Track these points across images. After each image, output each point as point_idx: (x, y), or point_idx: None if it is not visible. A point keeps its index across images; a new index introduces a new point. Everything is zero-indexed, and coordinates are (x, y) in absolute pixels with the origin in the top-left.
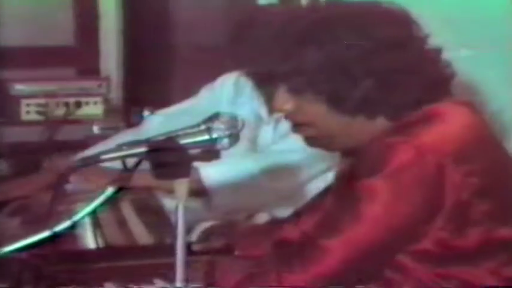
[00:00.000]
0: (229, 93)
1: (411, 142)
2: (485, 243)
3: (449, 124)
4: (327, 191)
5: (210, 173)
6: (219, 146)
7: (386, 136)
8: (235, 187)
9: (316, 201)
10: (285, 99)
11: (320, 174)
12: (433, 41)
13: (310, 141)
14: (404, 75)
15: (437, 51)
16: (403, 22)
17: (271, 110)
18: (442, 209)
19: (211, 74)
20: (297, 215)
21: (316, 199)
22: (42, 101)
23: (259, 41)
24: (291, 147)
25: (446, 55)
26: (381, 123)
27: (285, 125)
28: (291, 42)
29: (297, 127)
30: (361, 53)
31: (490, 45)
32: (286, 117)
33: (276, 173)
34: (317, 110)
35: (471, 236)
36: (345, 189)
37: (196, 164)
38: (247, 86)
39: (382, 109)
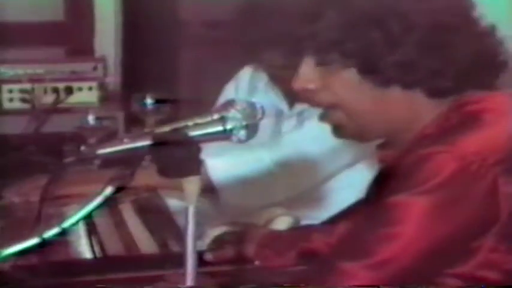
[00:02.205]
0: (245, 89)
1: (454, 151)
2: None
3: (496, 127)
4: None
5: (218, 165)
6: (234, 139)
7: (423, 145)
8: (246, 182)
9: (352, 210)
10: (309, 76)
11: (344, 169)
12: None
13: (339, 130)
14: (450, 37)
15: (491, 28)
16: None
17: (292, 101)
18: (494, 226)
19: (222, 54)
20: (329, 222)
21: (352, 206)
22: (27, 86)
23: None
24: (309, 135)
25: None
26: (419, 100)
27: (309, 118)
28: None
29: (323, 113)
30: (400, 6)
31: None
32: (311, 103)
33: (293, 165)
34: (347, 83)
35: None
36: (375, 204)
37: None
38: (263, 79)
39: (422, 78)
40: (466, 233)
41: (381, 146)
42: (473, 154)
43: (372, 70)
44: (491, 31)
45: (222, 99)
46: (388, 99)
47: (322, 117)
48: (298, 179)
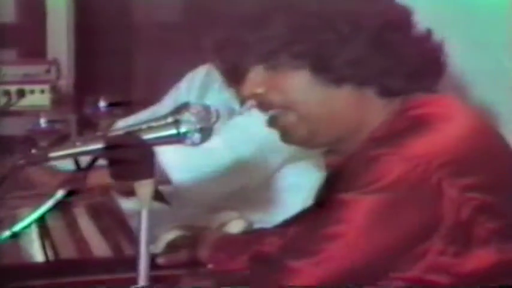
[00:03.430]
0: (198, 88)
1: (400, 154)
2: (498, 266)
3: (443, 131)
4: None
5: (171, 156)
6: (188, 142)
7: (371, 147)
8: (202, 170)
9: (303, 213)
10: (257, 80)
11: (291, 161)
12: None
13: (288, 135)
14: (397, 37)
15: (428, 32)
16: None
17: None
18: (439, 229)
19: (176, 56)
20: (283, 226)
21: (305, 210)
22: None
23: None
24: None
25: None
26: (369, 101)
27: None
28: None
29: (272, 117)
30: (349, 8)
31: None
32: (260, 105)
33: (242, 148)
34: (297, 84)
35: (479, 259)
36: (322, 204)
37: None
38: (217, 79)
39: (373, 76)
40: (412, 235)
41: (328, 151)
42: (420, 157)
43: (323, 69)
44: (428, 35)
45: (172, 96)
46: (339, 100)
47: (271, 122)
48: (248, 164)
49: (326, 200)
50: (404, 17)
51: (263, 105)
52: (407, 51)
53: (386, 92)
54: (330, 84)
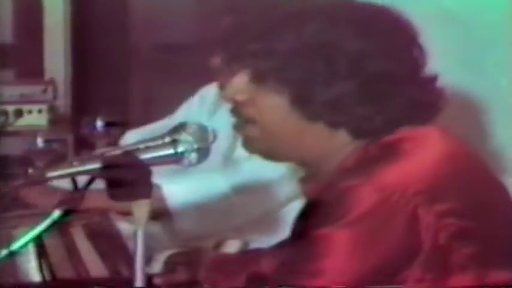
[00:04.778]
0: (210, 104)
1: (373, 184)
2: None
3: (415, 158)
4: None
5: (174, 191)
6: (185, 162)
7: (342, 178)
8: (202, 206)
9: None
10: (239, 88)
11: (295, 197)
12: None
13: (250, 144)
14: (390, 87)
15: (433, 77)
16: (406, 35)
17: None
18: (418, 256)
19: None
20: (278, 247)
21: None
22: None
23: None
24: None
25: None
26: (341, 138)
27: None
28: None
29: (238, 123)
30: (351, 47)
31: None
32: (233, 109)
33: (250, 191)
34: (273, 107)
35: (457, 285)
36: (302, 237)
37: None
38: None
39: (349, 121)
40: (390, 264)
41: (303, 179)
42: (393, 185)
43: (302, 102)
44: (433, 80)
45: (184, 110)
46: (309, 133)
47: (236, 127)
48: (255, 205)
49: (303, 232)
50: (412, 63)
51: (236, 110)
52: (398, 100)
53: (361, 135)
54: (305, 117)
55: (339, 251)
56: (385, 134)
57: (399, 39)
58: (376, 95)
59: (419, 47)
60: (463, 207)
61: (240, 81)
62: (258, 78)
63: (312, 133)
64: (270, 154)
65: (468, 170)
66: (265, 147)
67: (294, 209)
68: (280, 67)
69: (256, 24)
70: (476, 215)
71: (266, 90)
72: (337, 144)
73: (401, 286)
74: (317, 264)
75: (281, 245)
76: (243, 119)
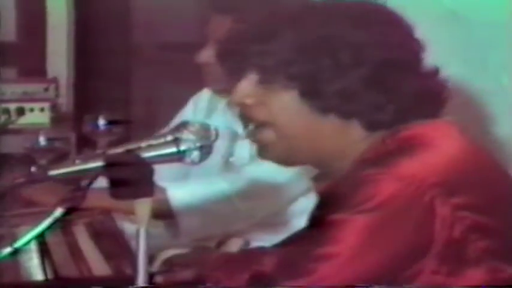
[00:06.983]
0: (203, 109)
1: (392, 173)
2: (490, 285)
3: (434, 151)
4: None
5: (178, 193)
6: (187, 160)
7: (362, 168)
8: (207, 211)
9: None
10: (247, 91)
11: (301, 195)
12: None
13: (266, 151)
14: (397, 75)
15: (435, 69)
16: (403, 28)
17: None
18: (432, 248)
19: (175, 76)
20: (280, 245)
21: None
22: None
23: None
24: (269, 167)
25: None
26: (354, 131)
27: None
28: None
29: (252, 130)
30: (354, 38)
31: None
32: (243, 116)
33: (253, 195)
34: (285, 104)
35: (472, 278)
36: (315, 225)
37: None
38: (220, 101)
39: (361, 111)
40: (406, 254)
41: (315, 178)
42: (412, 176)
43: (313, 95)
44: (435, 72)
45: (178, 119)
46: (323, 127)
47: (250, 135)
48: (258, 208)
49: (319, 221)
50: (412, 55)
51: (245, 116)
52: (405, 88)
53: (374, 126)
54: (317, 111)
55: (353, 236)
56: (397, 125)
57: (397, 31)
58: (383, 83)
59: (417, 41)
60: (479, 201)
61: (248, 84)
62: (266, 77)
63: (326, 128)
64: (287, 158)
65: (483, 165)
66: (281, 152)
67: (303, 203)
68: (286, 62)
69: (257, 24)
70: (491, 210)
71: (275, 89)
72: (352, 139)
73: (411, 286)
74: (329, 248)
75: (283, 243)
76: (255, 124)
